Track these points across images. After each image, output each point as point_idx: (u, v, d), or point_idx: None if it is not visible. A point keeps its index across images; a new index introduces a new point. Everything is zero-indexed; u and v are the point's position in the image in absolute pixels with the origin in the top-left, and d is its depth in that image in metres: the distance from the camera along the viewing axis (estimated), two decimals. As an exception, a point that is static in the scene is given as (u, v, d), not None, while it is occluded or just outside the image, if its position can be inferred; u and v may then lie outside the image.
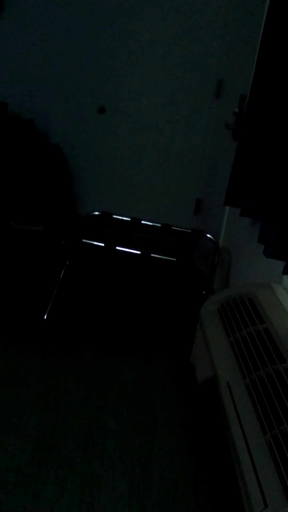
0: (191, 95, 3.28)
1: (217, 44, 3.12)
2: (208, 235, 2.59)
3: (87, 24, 3.14)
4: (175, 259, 2.17)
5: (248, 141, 1.79)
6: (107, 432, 1.10)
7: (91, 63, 3.24)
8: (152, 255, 2.16)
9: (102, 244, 2.20)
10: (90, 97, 3.34)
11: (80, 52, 3.21)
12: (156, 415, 1.16)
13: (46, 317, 2.29)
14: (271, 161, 1.59)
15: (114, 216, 2.63)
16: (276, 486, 1.00)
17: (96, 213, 2.67)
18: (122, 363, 1.35)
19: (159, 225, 2.62)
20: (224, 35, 3.06)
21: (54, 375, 1.29)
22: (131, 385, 1.26)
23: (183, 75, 3.23)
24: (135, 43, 3.17)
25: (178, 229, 2.60)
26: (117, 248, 2.18)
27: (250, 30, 2.46)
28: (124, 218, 2.63)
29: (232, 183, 1.91)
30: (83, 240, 2.22)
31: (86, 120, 3.41)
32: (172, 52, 3.18)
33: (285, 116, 1.53)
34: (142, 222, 2.63)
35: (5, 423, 1.09)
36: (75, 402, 1.17)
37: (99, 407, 1.18)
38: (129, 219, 2.63)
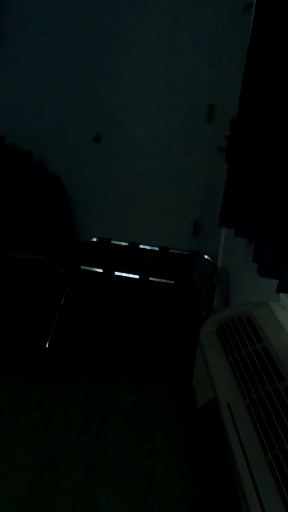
0: (184, 120, 3.34)
1: (207, 71, 3.19)
2: (206, 256, 2.61)
3: (80, 56, 3.22)
4: (173, 282, 2.18)
5: (237, 163, 1.82)
6: (107, 459, 1.10)
7: (86, 93, 3.31)
8: (150, 279, 2.17)
9: (101, 270, 2.22)
10: (85, 126, 3.41)
11: (74, 82, 3.29)
12: (156, 439, 1.16)
13: (48, 345, 2.29)
14: (260, 181, 1.61)
15: (112, 242, 2.66)
16: (278, 506, 1.00)
17: (94, 239, 2.70)
18: (121, 388, 1.35)
19: (157, 248, 2.63)
20: (214, 62, 3.13)
21: (54, 403, 1.29)
22: (130, 410, 1.26)
23: (176, 101, 3.30)
24: (127, 72, 3.25)
25: (176, 251, 2.62)
26: (116, 273, 2.20)
27: (238, 56, 2.52)
28: (122, 243, 2.65)
29: (225, 205, 1.94)
30: (82, 266, 2.24)
31: (83, 149, 3.47)
32: (164, 79, 3.25)
33: (271, 138, 1.56)
34: (140, 246, 2.65)
35: (5, 452, 1.09)
36: (75, 429, 1.17)
37: (99, 434, 1.18)
38: (127, 244, 2.66)
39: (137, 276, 2.18)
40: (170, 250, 2.61)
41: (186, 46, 3.16)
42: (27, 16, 3.14)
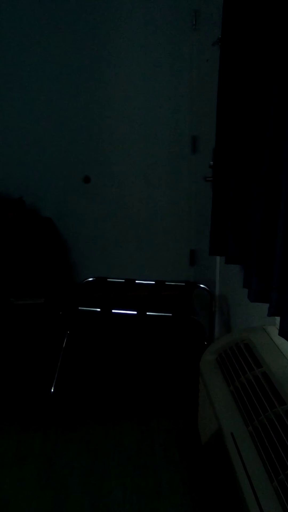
0: (170, 153, 3.41)
1: (187, 105, 3.28)
2: (202, 285, 2.62)
3: (65, 98, 3.31)
4: (171, 314, 2.19)
5: (221, 192, 1.86)
6: (111, 502, 1.09)
7: (72, 135, 3.39)
8: (148, 313, 2.18)
9: (98, 309, 2.23)
10: (74, 168, 3.47)
11: (60, 126, 3.37)
12: (159, 478, 1.15)
13: (53, 389, 2.28)
14: (242, 208, 1.65)
15: (108, 280, 2.68)
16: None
17: (91, 279, 2.72)
18: (124, 429, 1.34)
19: (153, 282, 2.65)
20: (192, 96, 3.22)
21: (56, 450, 1.28)
22: (133, 451, 1.25)
23: (160, 136, 3.38)
24: (111, 113, 3.34)
25: (172, 283, 2.63)
26: (113, 311, 2.21)
27: (213, 88, 2.60)
28: (119, 280, 2.67)
29: (214, 233, 1.97)
30: (80, 307, 2.26)
31: (73, 191, 3.53)
32: (147, 117, 3.33)
33: (248, 166, 1.60)
34: (137, 281, 2.67)
35: (9, 504, 1.07)
36: (78, 475, 1.16)
37: (102, 477, 1.17)
38: (123, 280, 2.67)
39: (134, 312, 2.19)
40: (166, 283, 2.62)
41: (166, 83, 3.26)
42: (13, 64, 3.25)
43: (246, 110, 1.57)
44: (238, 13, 1.56)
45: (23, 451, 1.25)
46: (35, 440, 1.26)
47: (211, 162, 2.52)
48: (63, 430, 1.25)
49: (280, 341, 1.62)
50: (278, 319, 1.70)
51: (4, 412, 2.01)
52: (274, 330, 1.70)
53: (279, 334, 1.22)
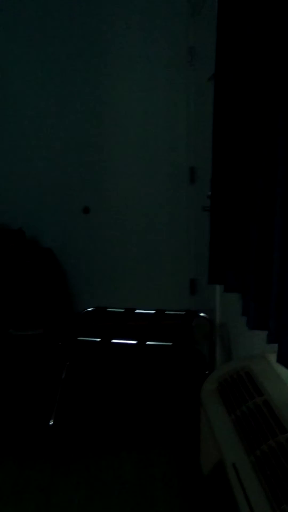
0: (169, 184, 3.47)
1: (185, 137, 3.35)
2: (202, 314, 2.62)
3: (66, 132, 3.39)
4: (171, 344, 2.18)
5: (218, 220, 1.89)
6: (112, 535, 1.07)
7: (71, 167, 3.45)
8: (148, 343, 2.17)
9: (98, 339, 2.23)
10: (74, 199, 3.53)
11: (61, 158, 3.43)
12: (160, 510, 1.13)
13: (53, 421, 2.26)
14: (239, 237, 1.67)
15: (108, 309, 2.68)
16: None
17: (90, 309, 2.72)
18: (123, 460, 1.32)
19: (153, 311, 2.65)
20: (189, 129, 3.30)
21: (54, 482, 1.26)
22: (133, 482, 1.23)
23: (159, 167, 3.44)
24: (111, 146, 3.41)
25: (172, 312, 2.63)
26: (113, 341, 2.21)
27: (209, 122, 2.67)
28: (118, 310, 2.67)
29: (212, 262, 1.98)
30: (79, 338, 2.25)
31: (73, 221, 3.57)
32: (145, 149, 3.40)
33: (243, 196, 1.63)
34: (136, 311, 2.67)
35: (8, 540, 1.05)
36: (77, 508, 1.14)
37: (102, 510, 1.15)
38: (123, 310, 2.68)
39: (134, 342, 2.19)
40: (166, 312, 2.62)
41: (164, 116, 3.35)
42: (11, 95, 3.33)
43: (239, 144, 1.60)
44: (230, 51, 1.61)
45: (20, 485, 1.23)
46: (33, 473, 1.23)
47: (209, 192, 2.56)
48: (62, 462, 1.23)
49: (281, 368, 1.61)
50: (277, 346, 1.70)
51: (2, 445, 1.99)
52: (274, 358, 1.69)
53: (277, 361, 1.23)
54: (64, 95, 3.33)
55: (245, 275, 1.65)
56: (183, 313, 2.62)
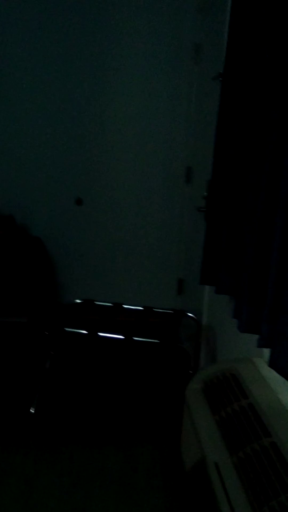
0: (164, 182, 3.47)
1: (183, 136, 3.35)
2: (190, 314, 2.63)
3: (61, 121, 3.36)
4: (158, 341, 2.19)
5: (214, 222, 1.89)
6: (93, 526, 1.07)
7: (66, 156, 3.43)
8: (135, 338, 2.17)
9: (85, 332, 2.22)
10: (67, 189, 3.50)
11: (55, 147, 3.41)
12: (142, 504, 1.13)
13: (34, 410, 2.25)
14: (236, 240, 1.68)
15: (96, 303, 2.67)
16: None
17: (78, 301, 2.71)
18: (107, 453, 1.32)
19: (141, 308, 2.65)
20: (188, 128, 3.30)
21: (37, 470, 1.26)
22: (116, 475, 1.23)
23: (155, 164, 3.43)
24: (108, 138, 3.39)
25: (160, 310, 2.64)
26: (100, 334, 2.20)
27: (210, 121, 2.67)
28: (106, 304, 2.67)
29: (205, 263, 1.99)
30: (66, 328, 2.24)
31: (65, 212, 3.55)
32: (144, 145, 3.40)
33: (243, 198, 1.64)
34: (124, 306, 2.67)
35: (-12, 525, 1.05)
36: (59, 496, 1.14)
37: (84, 500, 1.14)
38: (111, 304, 2.67)
39: (121, 337, 2.19)
40: (154, 309, 2.62)
41: (164, 113, 3.34)
42: (9, 83, 3.30)
43: (244, 146, 1.61)
44: (242, 50, 1.62)
45: (2, 470, 1.23)
46: (16, 459, 1.23)
47: (205, 193, 2.57)
48: (46, 450, 1.22)
49: (267, 373, 1.62)
50: (265, 351, 1.71)
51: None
52: (261, 362, 1.70)
53: (269, 366, 1.23)
54: (63, 86, 3.30)
55: (239, 278, 1.65)
56: (171, 312, 2.62)
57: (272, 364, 1.23)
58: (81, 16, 3.19)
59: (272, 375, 1.61)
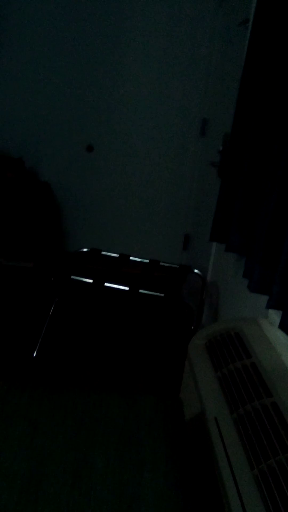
0: (177, 134, 3.38)
1: (201, 84, 3.24)
2: (196, 271, 2.63)
3: (75, 64, 3.25)
4: (163, 295, 2.19)
5: (230, 178, 1.85)
6: (94, 470, 1.10)
7: (79, 102, 3.34)
8: (140, 291, 2.18)
9: (91, 281, 2.22)
10: (78, 135, 3.43)
11: (69, 92, 3.31)
12: (143, 451, 1.16)
13: (36, 354, 2.28)
14: (253, 198, 1.64)
15: (102, 253, 2.66)
16: (263, 522, 1.00)
17: (85, 249, 2.70)
18: (110, 400, 1.35)
19: (147, 261, 2.65)
20: (208, 76, 3.18)
21: (42, 413, 1.28)
22: (119, 422, 1.26)
23: (169, 114, 3.34)
24: (122, 84, 3.28)
25: (166, 264, 2.63)
26: (106, 284, 2.20)
27: (233, 71, 2.57)
28: (113, 255, 2.66)
29: (217, 220, 1.96)
30: (72, 276, 2.24)
31: (75, 158, 3.48)
32: (159, 92, 3.29)
33: (265, 154, 1.59)
34: (131, 258, 2.66)
35: (-9, 462, 1.08)
36: (62, 440, 1.17)
37: (87, 445, 1.17)
38: (117, 255, 2.66)
39: (127, 288, 2.19)
40: (161, 263, 2.62)
41: (182, 60, 3.21)
42: (24, 23, 3.16)
43: (271, 98, 1.55)
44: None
45: (8, 411, 1.26)
46: (21, 401, 1.26)
47: (221, 147, 2.50)
48: (50, 394, 1.25)
49: (271, 334, 1.63)
50: (270, 312, 1.71)
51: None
52: (266, 323, 1.71)
53: (279, 327, 1.23)
54: (77, 26, 3.16)
55: (251, 237, 1.63)
56: (177, 266, 2.61)
57: (282, 325, 1.23)
58: None
59: (277, 337, 1.61)
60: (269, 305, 1.35)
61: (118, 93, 3.31)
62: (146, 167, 3.48)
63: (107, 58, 3.23)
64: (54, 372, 2.14)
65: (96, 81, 3.28)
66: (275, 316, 1.61)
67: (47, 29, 3.18)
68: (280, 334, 1.58)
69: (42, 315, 2.59)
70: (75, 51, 3.22)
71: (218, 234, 1.97)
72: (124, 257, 2.65)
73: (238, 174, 1.79)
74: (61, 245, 3.65)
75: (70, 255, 3.13)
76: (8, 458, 1.12)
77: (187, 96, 3.29)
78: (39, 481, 1.07)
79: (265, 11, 1.60)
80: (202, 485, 1.18)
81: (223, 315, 2.34)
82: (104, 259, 2.62)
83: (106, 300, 2.99)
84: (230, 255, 2.27)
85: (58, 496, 1.02)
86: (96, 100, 3.33)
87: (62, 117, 3.37)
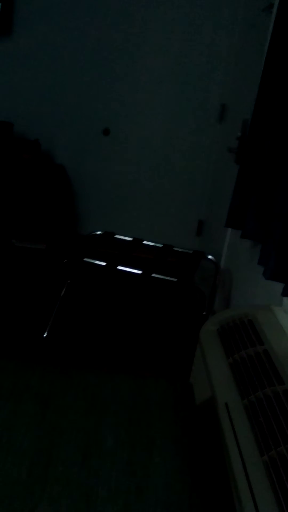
0: (195, 119, 3.34)
1: (221, 69, 3.19)
2: (210, 257, 2.61)
3: (93, 47, 3.21)
4: (176, 280, 2.18)
5: (249, 165, 1.82)
6: (104, 450, 1.10)
7: (96, 85, 3.31)
8: (153, 275, 2.17)
9: (104, 264, 2.22)
10: (95, 118, 3.40)
11: (86, 74, 3.28)
12: (153, 433, 1.16)
13: (47, 334, 2.29)
14: (271, 184, 1.61)
15: (116, 236, 2.65)
16: (271, 506, 1.00)
17: (99, 232, 2.69)
18: (121, 382, 1.35)
19: (161, 245, 2.63)
20: (229, 62, 3.12)
21: (53, 392, 1.29)
22: (129, 403, 1.26)
23: (187, 99, 3.30)
24: (139, 66, 3.25)
25: (179, 250, 2.62)
26: (118, 267, 2.20)
27: (254, 56, 2.52)
28: (126, 238, 2.65)
29: (233, 206, 1.94)
30: (85, 259, 2.24)
31: (91, 141, 3.46)
32: (176, 76, 3.24)
33: (286, 141, 1.56)
34: (144, 242, 2.65)
35: (2, 439, 1.09)
36: (73, 420, 1.17)
37: (97, 425, 1.18)
38: (131, 239, 2.65)
39: (139, 272, 2.18)
40: (174, 248, 2.60)
41: (202, 45, 3.16)
42: (41, 4, 3.13)
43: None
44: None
45: (19, 388, 1.27)
46: (32, 380, 1.28)
47: (239, 133, 2.47)
48: (61, 373, 1.27)
49: (285, 322, 1.61)
50: (285, 300, 1.70)
51: (2, 350, 2.03)
52: (279, 311, 1.69)
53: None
54: (95, 7, 3.11)
55: (268, 224, 1.61)
56: (191, 252, 2.60)
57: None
58: None
59: (290, 325, 1.60)
60: (285, 293, 1.33)
61: (136, 76, 3.27)
62: (162, 151, 3.45)
63: (125, 41, 3.19)
64: (65, 353, 2.16)
65: (114, 64, 3.25)
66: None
67: (64, 12, 3.14)
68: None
69: (53, 296, 2.60)
70: (93, 33, 3.18)
71: (234, 220, 1.95)
72: (137, 241, 2.64)
73: (257, 160, 1.77)
74: (74, 227, 3.65)
75: (83, 237, 3.12)
76: (18, 436, 1.13)
77: (206, 81, 3.25)
78: (48, 459, 1.08)
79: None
80: (211, 469, 1.18)
81: (235, 302, 2.33)
82: (117, 243, 2.62)
83: (118, 283, 2.99)
84: (244, 241, 2.25)
85: (67, 475, 1.03)
86: (113, 83, 3.30)
87: (79, 100, 3.35)
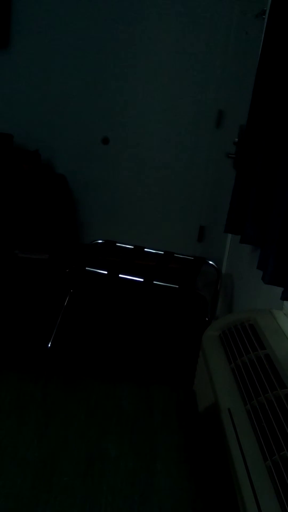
0: (193, 125, 3.36)
1: (217, 76, 3.21)
2: (211, 262, 2.62)
3: (91, 57, 3.24)
4: (177, 286, 2.19)
5: (246, 170, 1.83)
6: (107, 459, 1.10)
7: (94, 95, 3.33)
8: (155, 282, 2.17)
9: (106, 272, 2.23)
10: (94, 128, 3.42)
11: (84, 84, 3.31)
12: (156, 441, 1.16)
13: (50, 344, 2.30)
14: (268, 189, 1.62)
15: (117, 244, 2.67)
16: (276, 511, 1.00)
17: (100, 241, 2.71)
18: (124, 390, 1.35)
19: (162, 252, 2.64)
20: (224, 68, 3.15)
21: (56, 403, 1.30)
22: (132, 412, 1.26)
23: (184, 106, 3.31)
24: (137, 75, 3.27)
25: (181, 256, 2.63)
26: (120, 275, 2.21)
27: (249, 62, 2.54)
28: (128, 246, 2.66)
29: (232, 211, 1.95)
30: (87, 268, 2.25)
31: (91, 151, 3.48)
32: (173, 83, 3.26)
33: (281, 146, 1.57)
34: (145, 249, 2.66)
35: (6, 450, 1.10)
36: (76, 429, 1.18)
37: (100, 434, 1.18)
38: (132, 247, 2.66)
39: (141, 279, 2.19)
40: (175, 255, 2.61)
41: (197, 51, 3.18)
42: (38, 16, 3.16)
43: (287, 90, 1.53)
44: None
45: (23, 399, 1.27)
46: (36, 391, 1.28)
47: (236, 139, 2.48)
48: (64, 384, 1.27)
49: (286, 325, 1.62)
50: (285, 304, 1.70)
51: (5, 361, 2.03)
52: (280, 315, 1.70)
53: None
54: (90, 17, 3.14)
55: (266, 229, 1.62)
56: (192, 258, 2.61)
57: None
58: None
59: (292, 328, 1.60)
60: (284, 297, 1.34)
61: (133, 85, 3.29)
62: (162, 159, 3.46)
63: (122, 50, 3.22)
64: (69, 363, 2.16)
65: (111, 73, 3.27)
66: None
67: (61, 23, 3.17)
68: (295, 326, 1.57)
69: (57, 306, 2.61)
70: (91, 42, 3.21)
71: (233, 225, 1.96)
72: (138, 248, 2.65)
73: (253, 165, 1.78)
74: (76, 237, 3.66)
75: (85, 246, 3.14)
76: (22, 447, 1.14)
77: (203, 89, 3.27)
78: (52, 469, 1.08)
79: (281, 2, 1.58)
80: (214, 476, 1.18)
81: (237, 307, 2.33)
82: (119, 251, 2.63)
83: (120, 291, 2.99)
84: (245, 246, 2.25)
85: (71, 485, 1.03)
86: (111, 92, 3.32)
87: (78, 109, 3.37)
